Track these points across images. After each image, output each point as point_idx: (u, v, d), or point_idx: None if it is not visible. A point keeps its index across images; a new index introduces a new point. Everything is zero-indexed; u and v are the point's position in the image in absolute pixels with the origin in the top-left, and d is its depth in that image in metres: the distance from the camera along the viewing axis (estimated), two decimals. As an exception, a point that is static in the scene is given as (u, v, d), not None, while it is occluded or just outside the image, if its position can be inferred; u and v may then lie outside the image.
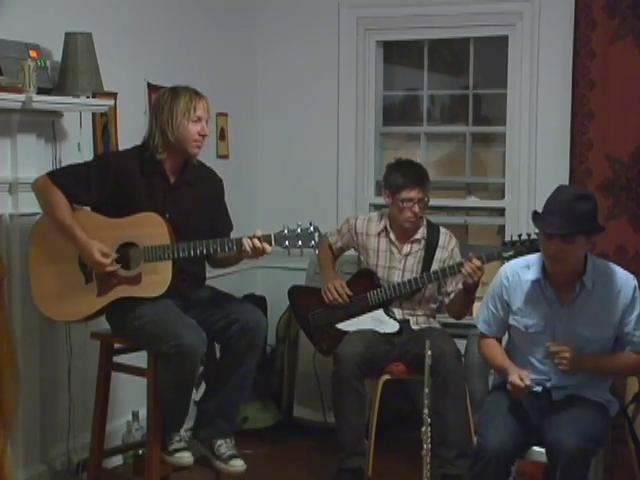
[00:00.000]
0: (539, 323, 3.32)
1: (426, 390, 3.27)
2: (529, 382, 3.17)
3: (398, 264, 4.33)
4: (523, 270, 3.38)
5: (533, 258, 3.40)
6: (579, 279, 3.26)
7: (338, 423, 4.14)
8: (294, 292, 4.56)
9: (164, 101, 3.62)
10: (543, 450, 3.26)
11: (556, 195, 3.23)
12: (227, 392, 3.66)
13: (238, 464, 3.64)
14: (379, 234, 4.36)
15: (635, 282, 3.29)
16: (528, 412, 3.30)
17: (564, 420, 3.17)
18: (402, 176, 4.22)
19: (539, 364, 3.35)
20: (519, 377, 3.17)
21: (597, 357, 3.29)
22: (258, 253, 3.50)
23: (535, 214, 3.27)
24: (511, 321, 3.41)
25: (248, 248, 3.47)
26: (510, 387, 3.20)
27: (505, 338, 3.55)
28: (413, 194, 4.20)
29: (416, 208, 4.21)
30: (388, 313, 4.30)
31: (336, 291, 4.31)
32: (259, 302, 5.20)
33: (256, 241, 3.47)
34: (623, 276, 3.30)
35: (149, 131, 3.67)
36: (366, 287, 4.33)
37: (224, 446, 3.66)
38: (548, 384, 3.34)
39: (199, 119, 3.60)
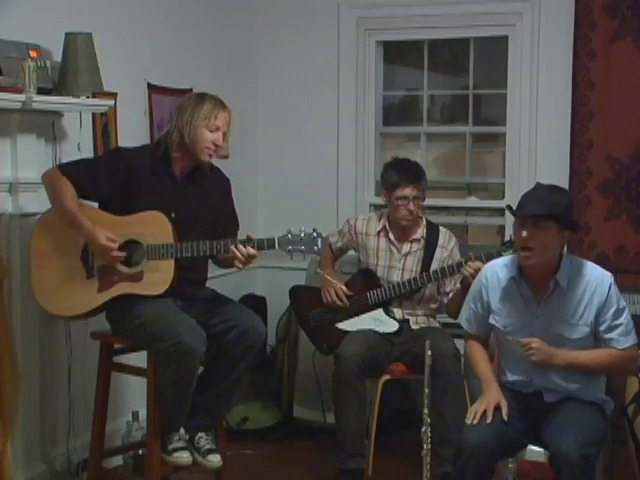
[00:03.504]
0: (517, 322, 3.34)
1: (426, 390, 3.28)
2: (490, 418, 3.21)
3: (398, 263, 4.33)
4: (502, 269, 3.40)
5: (512, 257, 3.43)
6: (552, 277, 3.27)
7: (338, 423, 4.14)
8: (295, 292, 4.56)
9: (189, 103, 3.64)
10: (541, 450, 3.26)
11: (532, 189, 3.32)
12: (216, 392, 3.67)
13: (215, 459, 3.66)
14: (379, 233, 4.37)
15: (611, 280, 3.29)
16: (519, 412, 3.29)
17: (563, 427, 3.16)
18: (397, 174, 4.25)
19: (522, 364, 3.35)
20: (491, 406, 3.24)
21: (571, 351, 3.27)
22: (245, 260, 3.51)
23: (510, 208, 3.35)
24: (491, 321, 3.42)
25: (237, 257, 3.49)
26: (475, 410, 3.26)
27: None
28: (407, 192, 4.21)
29: (411, 206, 4.22)
30: (388, 313, 4.30)
31: (335, 294, 4.31)
32: (259, 302, 5.21)
33: (240, 247, 3.48)
34: (599, 274, 3.31)
35: (168, 129, 3.69)
36: (366, 287, 4.33)
37: (204, 439, 3.67)
38: (532, 383, 3.34)
39: (217, 129, 3.60)
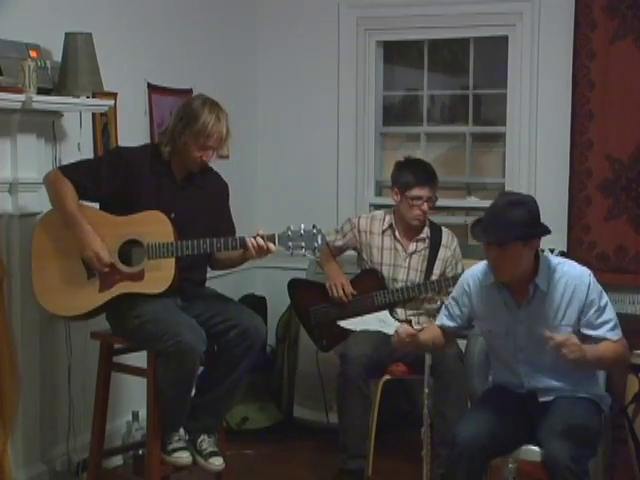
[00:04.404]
0: (501, 326, 3.33)
1: (426, 390, 3.28)
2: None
3: (403, 262, 4.35)
4: (482, 275, 3.38)
5: None
6: (532, 281, 3.25)
7: (342, 424, 4.14)
8: (294, 285, 4.56)
9: (189, 110, 3.60)
10: (541, 450, 3.25)
11: (493, 203, 3.25)
12: (218, 392, 3.67)
13: (217, 462, 3.66)
14: (383, 232, 4.38)
15: (590, 278, 3.27)
16: (516, 411, 3.30)
17: (554, 429, 3.15)
18: (413, 174, 4.26)
19: (510, 368, 3.36)
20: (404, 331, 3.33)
21: (594, 347, 3.22)
22: (262, 253, 3.52)
23: (477, 222, 3.30)
24: (476, 325, 3.44)
25: (252, 247, 3.48)
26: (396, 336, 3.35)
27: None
28: (423, 192, 4.24)
29: (425, 206, 4.26)
30: (393, 315, 4.31)
31: (342, 290, 4.32)
32: (259, 302, 5.21)
33: (260, 240, 3.49)
34: (578, 273, 3.29)
35: (165, 128, 3.70)
36: (371, 287, 4.33)
37: (206, 442, 3.67)
38: (523, 386, 3.33)
39: (207, 147, 3.60)
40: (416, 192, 4.23)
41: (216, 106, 3.62)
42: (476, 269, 3.45)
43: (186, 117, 3.59)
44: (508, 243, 3.14)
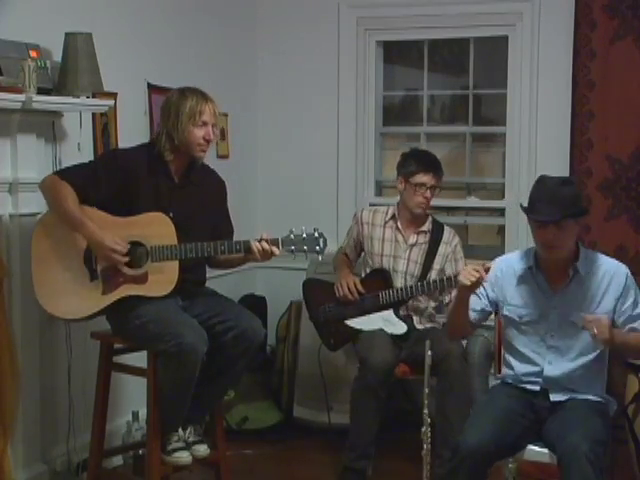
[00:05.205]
0: (533, 312, 3.36)
1: (426, 390, 3.28)
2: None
3: (403, 253, 4.37)
4: (517, 261, 3.43)
5: (526, 250, 3.46)
6: (572, 265, 3.30)
7: (354, 425, 4.15)
8: (308, 284, 4.59)
9: (171, 103, 3.64)
10: (541, 450, 3.25)
11: (541, 184, 3.30)
12: (210, 389, 3.68)
13: (201, 449, 3.68)
14: (385, 224, 4.42)
15: (627, 270, 3.34)
16: (521, 413, 3.29)
17: (570, 424, 3.16)
18: (416, 162, 4.33)
19: (533, 354, 3.36)
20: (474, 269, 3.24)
21: (623, 333, 3.27)
22: (266, 256, 3.53)
23: (523, 207, 3.34)
24: (505, 312, 3.43)
25: (257, 251, 3.50)
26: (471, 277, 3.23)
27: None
28: (426, 179, 4.28)
29: (428, 194, 4.30)
30: (397, 314, 4.32)
31: (347, 288, 4.33)
32: (259, 302, 5.21)
33: (264, 244, 3.51)
34: (616, 264, 3.37)
35: (157, 132, 3.70)
36: (379, 286, 4.35)
37: (193, 434, 3.69)
38: (542, 374, 3.33)
39: (204, 124, 3.61)
40: (419, 178, 4.28)
41: (195, 89, 3.67)
42: (509, 256, 3.51)
43: (173, 109, 3.61)
44: (566, 221, 3.20)
